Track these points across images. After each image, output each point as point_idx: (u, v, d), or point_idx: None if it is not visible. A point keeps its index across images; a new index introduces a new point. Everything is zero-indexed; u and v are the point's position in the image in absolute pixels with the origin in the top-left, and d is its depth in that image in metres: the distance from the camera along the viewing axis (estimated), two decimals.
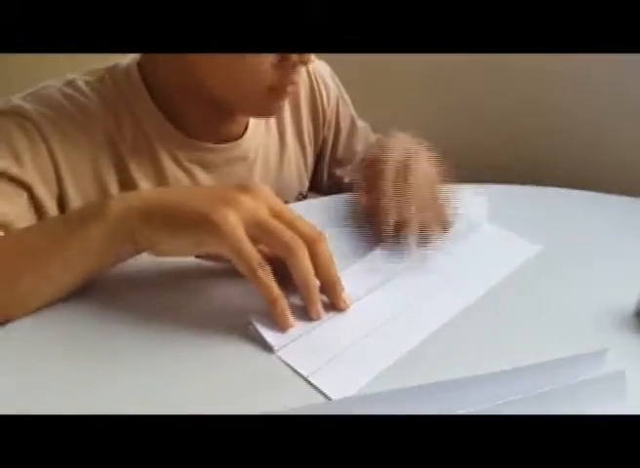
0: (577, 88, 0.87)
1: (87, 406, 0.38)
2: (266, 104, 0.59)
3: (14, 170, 0.53)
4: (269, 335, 0.44)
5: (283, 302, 0.43)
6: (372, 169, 0.60)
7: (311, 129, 0.76)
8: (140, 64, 0.61)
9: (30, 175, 0.54)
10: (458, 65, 0.94)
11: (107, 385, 0.40)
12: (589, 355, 0.40)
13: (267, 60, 0.54)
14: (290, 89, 0.57)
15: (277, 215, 0.44)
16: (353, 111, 0.81)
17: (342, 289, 0.46)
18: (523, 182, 0.70)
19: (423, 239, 0.55)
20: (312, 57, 0.56)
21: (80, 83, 0.59)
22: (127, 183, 0.60)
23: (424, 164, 0.59)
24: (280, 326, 0.44)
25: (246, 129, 0.68)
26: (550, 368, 0.39)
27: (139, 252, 0.46)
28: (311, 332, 0.45)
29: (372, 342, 0.45)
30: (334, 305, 0.46)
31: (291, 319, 0.44)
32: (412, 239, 0.54)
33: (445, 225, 0.57)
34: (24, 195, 0.54)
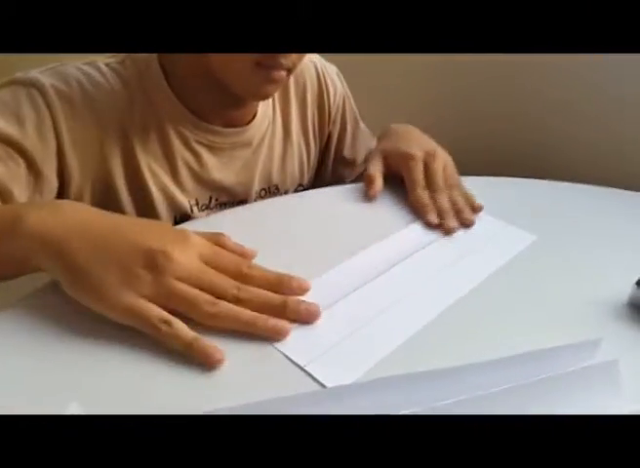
0: (574, 84, 0.87)
1: (87, 399, 0.38)
2: (257, 84, 0.60)
3: (15, 135, 0.54)
4: None
5: (199, 342, 0.41)
6: (395, 159, 0.66)
7: (317, 123, 0.78)
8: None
9: (31, 144, 0.55)
10: (456, 64, 0.94)
11: (94, 378, 0.40)
12: (583, 344, 0.40)
13: None
14: (279, 74, 0.59)
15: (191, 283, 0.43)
16: (357, 114, 0.84)
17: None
18: (519, 175, 0.71)
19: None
20: None
21: (100, 63, 0.62)
22: (131, 163, 0.62)
23: (443, 152, 0.67)
24: (207, 363, 0.41)
25: (254, 117, 0.70)
26: (544, 356, 0.39)
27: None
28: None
29: (368, 332, 0.46)
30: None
31: (218, 353, 0.41)
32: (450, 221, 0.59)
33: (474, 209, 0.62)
34: (21, 162, 0.54)
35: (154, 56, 0.63)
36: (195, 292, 0.43)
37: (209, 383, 0.40)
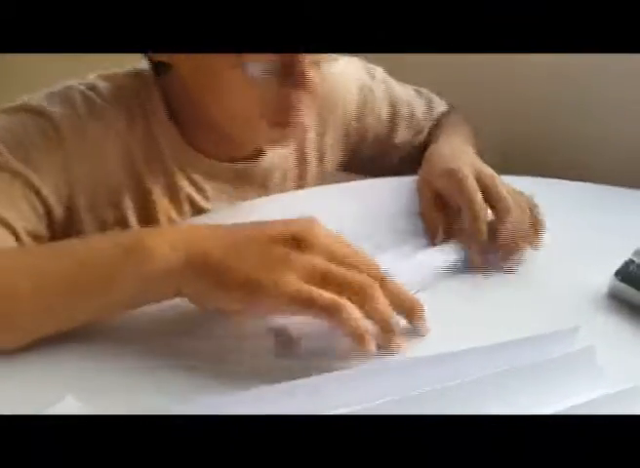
0: (566, 81, 0.88)
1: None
2: (268, 132, 0.56)
3: (25, 171, 0.52)
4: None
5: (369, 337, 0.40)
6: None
7: (339, 140, 0.74)
8: (157, 78, 0.60)
9: (41, 179, 0.53)
10: (456, 63, 0.95)
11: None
12: (561, 332, 0.41)
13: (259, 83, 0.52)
14: (295, 118, 0.54)
15: (337, 261, 0.41)
16: (398, 94, 0.77)
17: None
18: (505, 172, 0.72)
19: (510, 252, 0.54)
20: (312, 85, 0.52)
21: (102, 87, 0.57)
22: (143, 198, 0.60)
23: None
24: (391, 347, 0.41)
25: (262, 150, 0.66)
26: (523, 344, 0.40)
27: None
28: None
29: None
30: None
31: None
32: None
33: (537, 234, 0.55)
34: (33, 196, 0.53)
35: (152, 82, 0.59)
36: (345, 271, 0.40)
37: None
